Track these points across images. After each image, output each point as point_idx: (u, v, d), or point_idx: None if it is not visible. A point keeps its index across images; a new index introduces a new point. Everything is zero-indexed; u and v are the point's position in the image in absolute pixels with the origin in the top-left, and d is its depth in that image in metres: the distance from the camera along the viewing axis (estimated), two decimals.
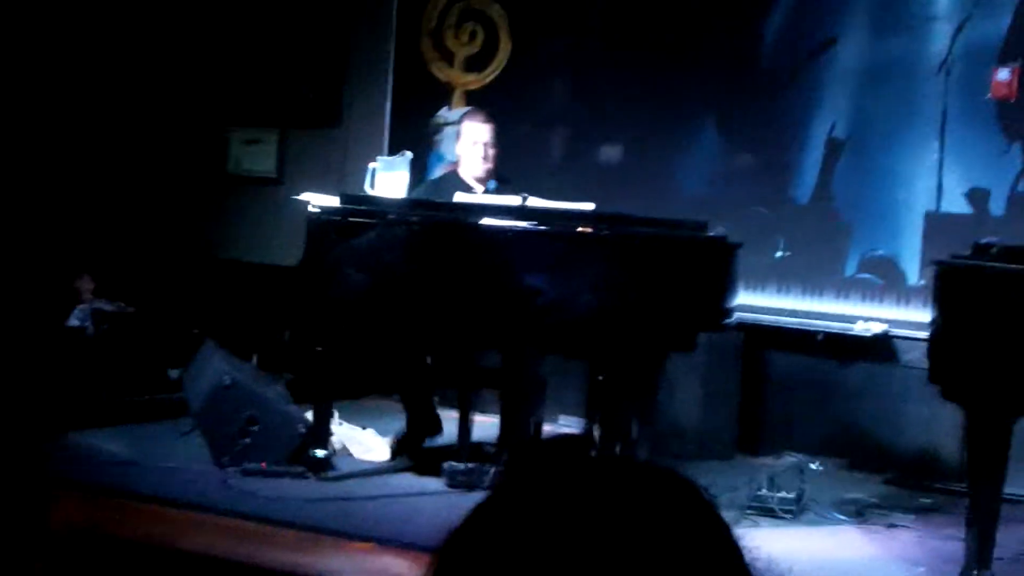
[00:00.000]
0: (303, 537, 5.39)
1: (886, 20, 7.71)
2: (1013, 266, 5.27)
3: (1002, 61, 7.34)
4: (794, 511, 6.14)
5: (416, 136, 8.77)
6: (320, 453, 6.24)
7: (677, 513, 1.13)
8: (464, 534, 1.14)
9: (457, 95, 8.86)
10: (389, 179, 7.25)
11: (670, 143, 8.25)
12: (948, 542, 5.56)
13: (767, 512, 6.10)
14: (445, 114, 8.82)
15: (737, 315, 6.90)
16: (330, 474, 6.25)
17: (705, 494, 1.17)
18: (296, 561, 5.16)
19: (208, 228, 9.19)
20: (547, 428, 7.09)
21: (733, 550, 1.14)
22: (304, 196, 6.53)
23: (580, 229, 6.09)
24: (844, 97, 7.77)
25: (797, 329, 7.60)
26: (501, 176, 6.91)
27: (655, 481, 1.16)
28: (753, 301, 7.68)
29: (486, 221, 6.15)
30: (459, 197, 6.55)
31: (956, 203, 7.42)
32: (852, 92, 7.75)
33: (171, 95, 9.20)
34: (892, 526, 6.14)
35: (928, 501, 6.66)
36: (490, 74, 8.79)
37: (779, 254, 7.79)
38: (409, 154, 7.50)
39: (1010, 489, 5.29)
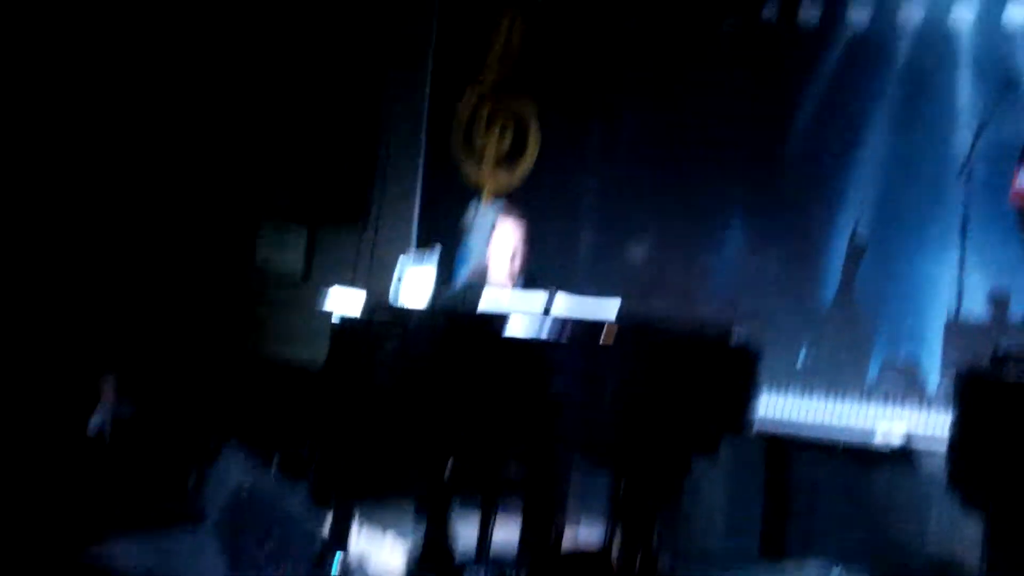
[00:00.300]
0: None
1: (908, 121, 7.77)
2: None
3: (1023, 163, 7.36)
4: None
5: (444, 233, 8.83)
6: (340, 561, 6.24)
7: None
8: None
9: (487, 191, 8.93)
10: (417, 275, 7.29)
11: (697, 240, 8.30)
12: None
13: None
14: (475, 210, 8.89)
15: (760, 419, 6.92)
16: None
17: None
18: None
19: (234, 325, 9.23)
20: (569, 533, 7.09)
21: None
22: (329, 296, 6.58)
23: (604, 334, 6.10)
24: (867, 198, 7.81)
25: (819, 440, 7.57)
26: (530, 274, 6.95)
27: None
28: (777, 404, 7.68)
29: (511, 325, 6.17)
30: (487, 295, 6.58)
31: (977, 307, 7.43)
32: (875, 193, 7.79)
33: (201, 190, 9.29)
34: None
35: None
36: (520, 170, 8.87)
37: (802, 356, 7.80)
38: (438, 249, 7.55)
39: None
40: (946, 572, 7.05)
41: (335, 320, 6.46)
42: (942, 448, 5.61)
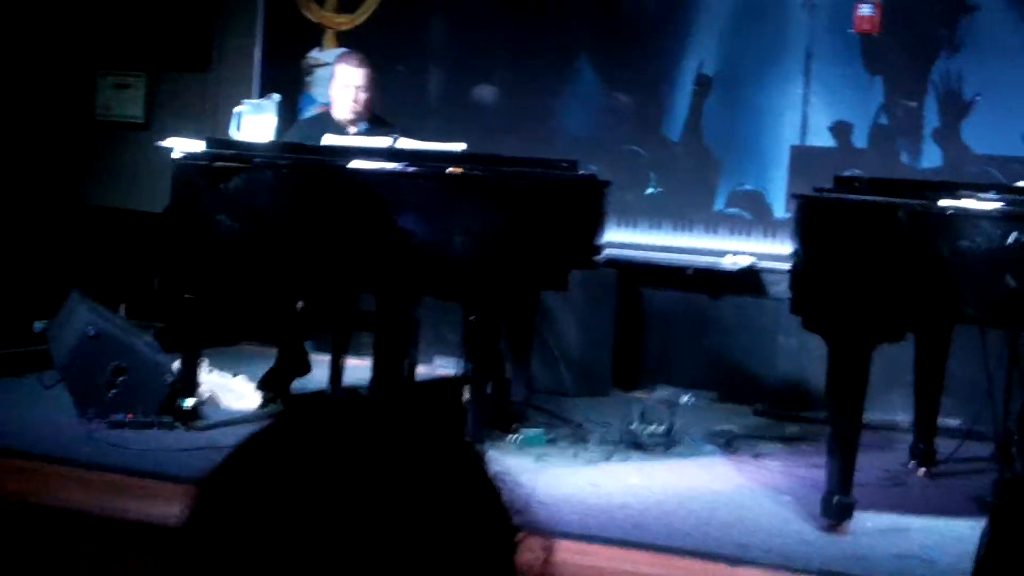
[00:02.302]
0: (174, 489, 5.32)
1: None
2: (870, 197, 5.36)
3: None
4: (664, 443, 6.22)
5: (287, 78, 8.69)
6: (189, 403, 6.18)
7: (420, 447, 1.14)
8: (225, 471, 1.15)
9: (329, 36, 8.77)
10: (256, 122, 7.16)
11: (544, 83, 8.25)
12: (812, 470, 5.65)
13: (638, 445, 6.18)
14: (316, 55, 8.74)
15: (610, 252, 6.97)
16: (200, 423, 6.19)
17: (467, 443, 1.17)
18: (168, 512, 5.09)
19: (75, 174, 9.01)
20: (422, 369, 7.12)
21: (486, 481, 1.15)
22: (169, 141, 6.43)
23: (450, 170, 6.06)
24: (712, 35, 7.83)
25: (668, 264, 7.67)
26: (375, 117, 6.87)
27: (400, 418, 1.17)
28: (626, 238, 7.74)
29: (356, 163, 6.11)
30: (329, 139, 6.50)
31: (821, 137, 7.53)
32: (720, 30, 7.81)
33: (36, 38, 8.99)
34: (759, 456, 6.26)
35: (795, 430, 6.77)
36: (362, 15, 8.71)
37: (650, 190, 7.86)
38: (277, 97, 7.41)
39: (870, 415, 5.38)
40: (793, 393, 7.21)
41: (176, 161, 6.31)
42: (786, 274, 5.68)
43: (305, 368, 6.83)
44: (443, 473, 1.12)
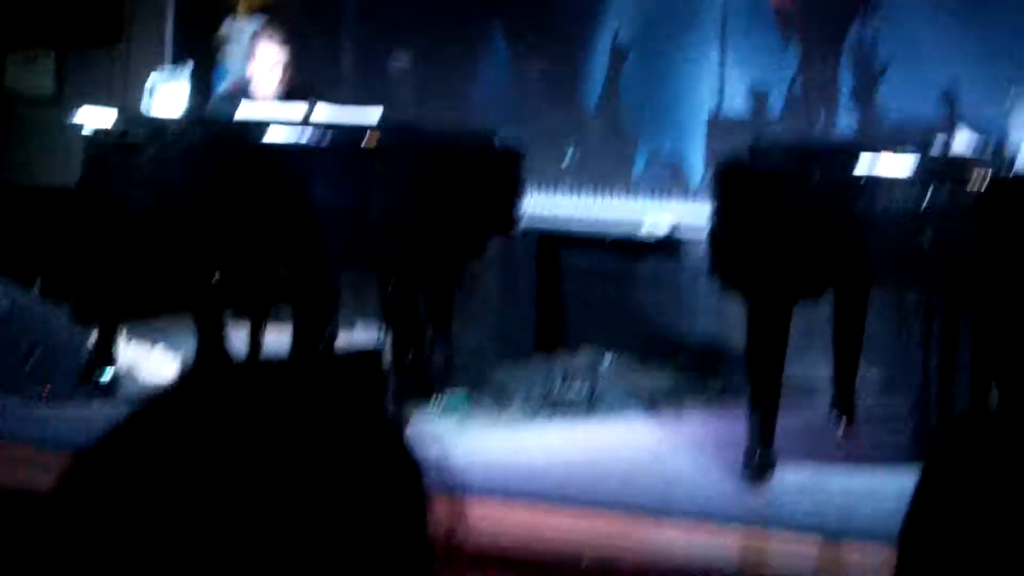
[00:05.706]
0: None
1: None
2: (785, 164, 5.42)
3: None
4: (587, 404, 6.24)
5: (200, 49, 8.60)
6: (107, 376, 6.11)
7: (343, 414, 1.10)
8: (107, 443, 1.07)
9: (241, 6, 8.69)
10: (169, 91, 7.08)
11: (459, 49, 8.23)
12: (734, 425, 5.67)
13: (561, 406, 6.19)
14: (229, 26, 8.65)
15: (530, 218, 6.97)
16: (119, 396, 6.14)
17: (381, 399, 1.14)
18: None
19: None
20: (341, 337, 7.08)
21: (402, 447, 1.13)
22: (80, 115, 6.34)
23: (367, 141, 6.03)
24: (627, 1, 7.83)
25: (587, 231, 7.68)
26: (292, 88, 6.79)
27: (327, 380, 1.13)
28: (545, 203, 7.74)
29: (272, 132, 6.06)
30: (245, 107, 6.43)
31: (737, 104, 7.57)
32: None
33: None
34: (680, 414, 6.29)
35: (716, 387, 6.81)
36: None
37: (568, 159, 7.86)
38: (189, 65, 7.34)
39: (790, 370, 5.42)
40: (714, 352, 7.26)
41: (88, 136, 6.23)
42: (704, 237, 5.73)
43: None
44: (355, 442, 1.08)
